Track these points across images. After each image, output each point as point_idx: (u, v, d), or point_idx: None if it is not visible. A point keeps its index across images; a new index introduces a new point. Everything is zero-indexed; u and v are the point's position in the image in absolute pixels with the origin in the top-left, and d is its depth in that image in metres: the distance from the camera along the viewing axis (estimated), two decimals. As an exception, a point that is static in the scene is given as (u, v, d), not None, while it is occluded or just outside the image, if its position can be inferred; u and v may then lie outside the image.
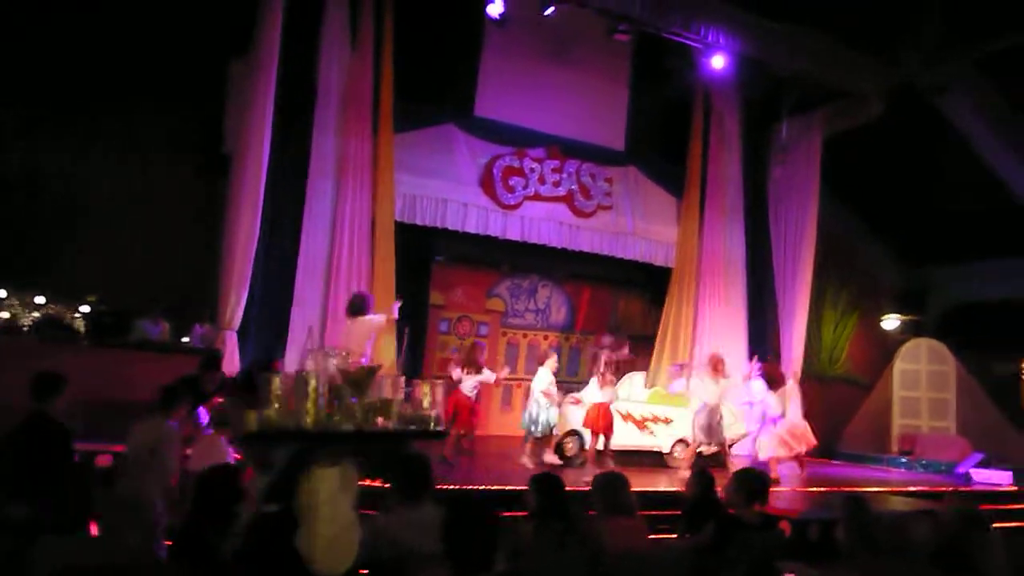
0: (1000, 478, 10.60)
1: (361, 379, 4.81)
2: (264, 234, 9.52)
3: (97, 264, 9.71)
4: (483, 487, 7.26)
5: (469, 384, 9.02)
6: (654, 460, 10.07)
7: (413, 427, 4.87)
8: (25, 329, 9.90)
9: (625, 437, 9.90)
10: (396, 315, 8.47)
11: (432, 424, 4.96)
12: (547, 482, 4.04)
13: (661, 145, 13.06)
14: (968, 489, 9.99)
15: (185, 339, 9.74)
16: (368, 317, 7.87)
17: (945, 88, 12.17)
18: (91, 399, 8.51)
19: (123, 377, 8.73)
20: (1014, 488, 10.21)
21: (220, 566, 3.27)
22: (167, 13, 9.70)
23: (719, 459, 9.58)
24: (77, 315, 10.11)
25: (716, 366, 9.62)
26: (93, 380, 8.63)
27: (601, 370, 9.40)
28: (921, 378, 13.79)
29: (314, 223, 10.16)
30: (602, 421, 9.26)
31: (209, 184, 9.90)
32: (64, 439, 4.91)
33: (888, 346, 14.85)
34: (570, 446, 9.68)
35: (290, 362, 8.96)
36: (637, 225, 12.68)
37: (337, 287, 10.17)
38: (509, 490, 6.97)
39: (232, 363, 9.22)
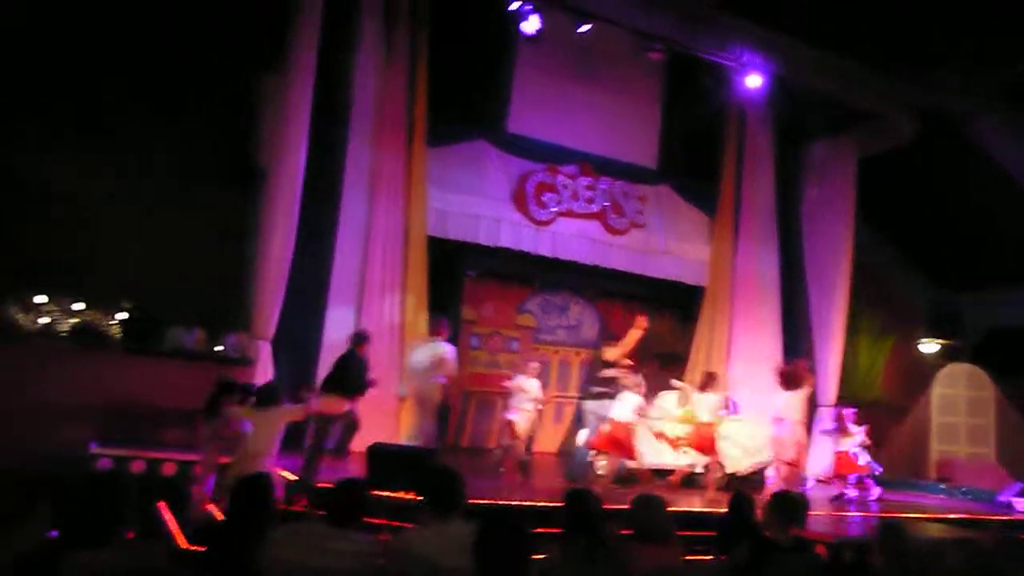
0: (1041, 507, 10.35)
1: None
2: (298, 245, 9.59)
3: (133, 272, 9.84)
4: (515, 502, 7.22)
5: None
6: (686, 480, 9.93)
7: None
8: (63, 335, 10.04)
9: (658, 456, 9.79)
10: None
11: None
12: (578, 497, 4.00)
13: (693, 164, 12.98)
14: (1011, 518, 9.76)
15: (218, 348, 9.82)
16: (283, 407, 6.88)
17: (973, 111, 12.01)
18: (125, 405, 8.65)
19: (156, 384, 8.86)
20: (1055, 518, 9.96)
21: (254, 573, 3.27)
22: (202, 25, 9.85)
23: (753, 481, 9.47)
24: (113, 322, 10.24)
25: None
26: (127, 387, 8.78)
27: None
28: (960, 403, 13.55)
29: (347, 236, 10.22)
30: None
31: (243, 196, 10.00)
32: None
33: (924, 371, 14.62)
34: (602, 463, 9.61)
35: (322, 373, 9.00)
36: (669, 243, 12.62)
37: (370, 299, 10.23)
38: (541, 506, 6.94)
39: (265, 373, 9.28)
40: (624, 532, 4.08)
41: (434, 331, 9.31)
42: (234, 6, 9.76)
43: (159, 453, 8.06)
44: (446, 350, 8.90)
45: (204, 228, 10.16)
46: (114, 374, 8.89)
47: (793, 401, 9.47)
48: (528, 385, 9.64)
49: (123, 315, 9.90)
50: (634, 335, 10.21)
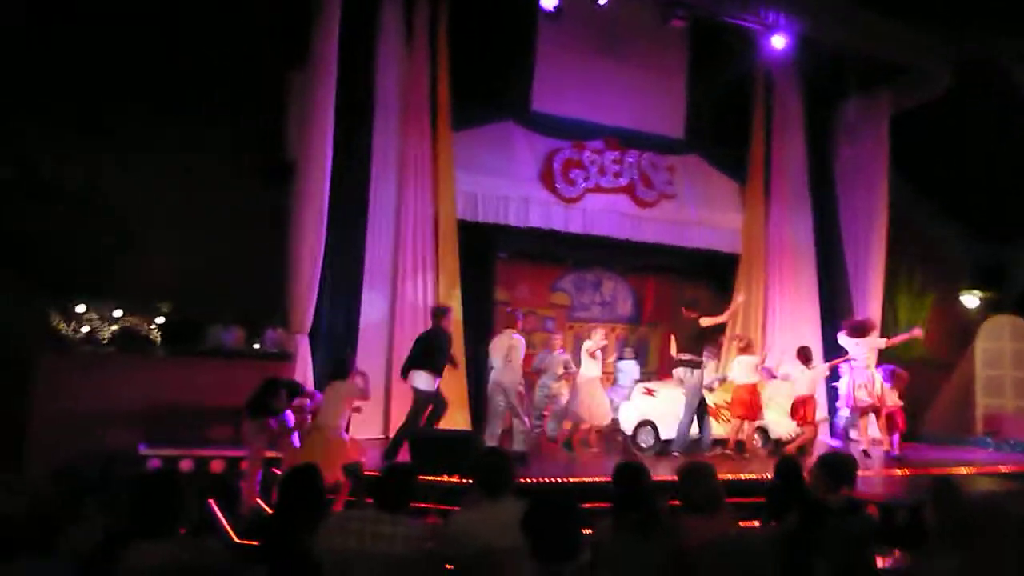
0: (1093, 457, 10.17)
1: None
2: (330, 238, 9.65)
3: (169, 274, 9.95)
4: (564, 479, 7.23)
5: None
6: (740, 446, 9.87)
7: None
8: (105, 342, 10.21)
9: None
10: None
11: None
12: (627, 472, 3.97)
13: (722, 131, 12.80)
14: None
15: (256, 345, 9.92)
16: (352, 384, 7.20)
17: (1012, 58, 11.68)
18: (170, 406, 8.79)
19: (199, 384, 8.99)
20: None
21: (310, 565, 3.31)
22: (227, 28, 9.89)
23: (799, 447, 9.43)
24: (153, 326, 10.37)
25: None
26: (171, 388, 8.93)
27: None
28: (1005, 356, 13.32)
29: (378, 225, 10.29)
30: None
31: (273, 191, 10.06)
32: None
33: (967, 325, 14.37)
34: (643, 437, 9.60)
35: (360, 360, 9.08)
36: (701, 213, 12.48)
37: (403, 287, 10.30)
38: (590, 482, 6.95)
39: (305, 366, 9.37)
40: (673, 503, 4.05)
41: (508, 323, 9.34)
42: (258, 6, 9.82)
43: (206, 451, 8.21)
44: (518, 342, 8.88)
45: (237, 226, 10.23)
46: (157, 376, 9.04)
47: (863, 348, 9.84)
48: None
49: (162, 318, 10.02)
50: (736, 304, 10.31)
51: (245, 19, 9.78)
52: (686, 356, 9.15)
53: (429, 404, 8.18)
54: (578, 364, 9.66)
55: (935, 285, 14.26)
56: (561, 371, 9.68)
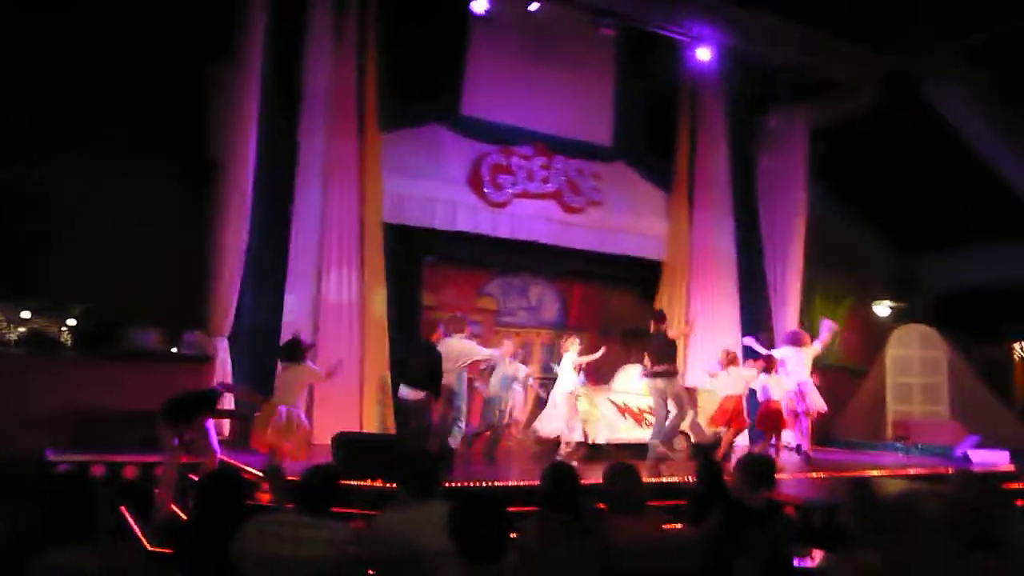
0: (997, 458, 10.65)
1: None
2: (252, 239, 9.45)
3: (83, 276, 9.58)
4: (492, 483, 7.21)
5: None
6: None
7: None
8: (12, 344, 9.79)
9: (623, 430, 9.85)
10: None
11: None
12: (555, 473, 3.97)
13: (648, 140, 12.97)
14: (969, 469, 10.02)
15: (174, 348, 9.64)
16: (307, 366, 7.29)
17: (933, 76, 12.18)
18: (82, 410, 8.46)
19: (113, 387, 8.68)
20: (1011, 467, 10.24)
21: (228, 570, 3.20)
22: (146, 20, 9.61)
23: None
24: (64, 328, 9.99)
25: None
26: (83, 392, 8.59)
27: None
28: (914, 364, 13.84)
29: (302, 226, 10.10)
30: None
31: (194, 190, 9.80)
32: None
33: (880, 333, 14.91)
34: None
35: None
36: (627, 220, 12.62)
37: (327, 289, 10.13)
38: (517, 486, 6.95)
39: (224, 368, 9.15)
40: (600, 505, 4.06)
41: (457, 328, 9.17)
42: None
43: (119, 456, 7.91)
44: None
45: (156, 225, 9.93)
46: (68, 379, 8.70)
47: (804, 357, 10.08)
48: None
49: (75, 320, 9.66)
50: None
51: (168, 9, 9.50)
52: (661, 367, 9.15)
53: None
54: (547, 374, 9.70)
55: (855, 293, 14.76)
56: (524, 380, 9.73)
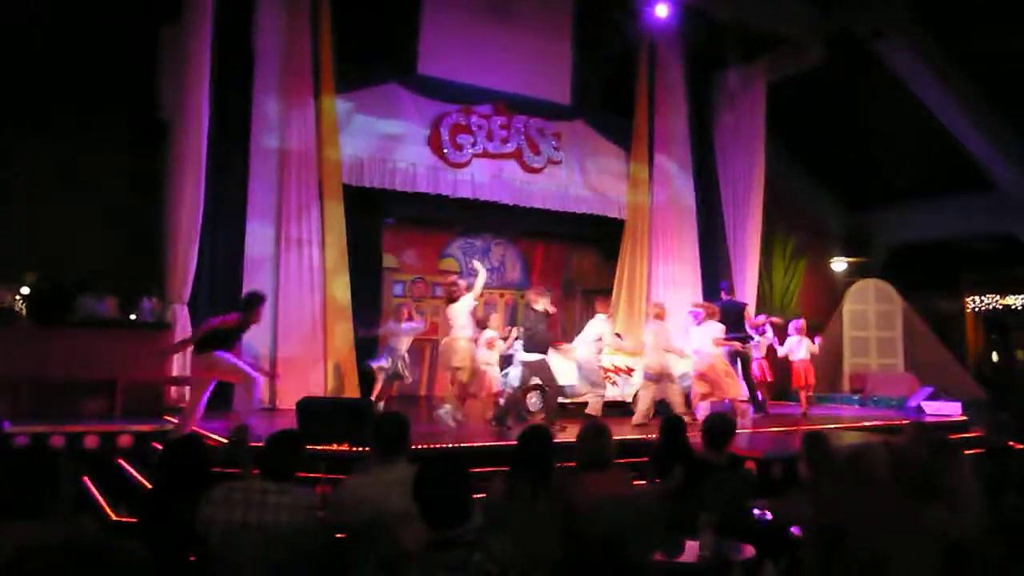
0: (950, 409, 10.94)
1: None
2: (209, 202, 9.29)
3: (35, 243, 9.38)
4: (455, 444, 7.24)
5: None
6: (619, 411, 10.07)
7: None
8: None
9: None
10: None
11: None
12: (528, 435, 4.01)
13: (608, 98, 12.94)
14: (923, 421, 10.29)
15: (132, 316, 9.48)
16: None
17: (881, 33, 12.25)
18: (39, 380, 8.30)
19: (70, 356, 8.52)
20: (963, 418, 10.55)
21: (193, 539, 3.20)
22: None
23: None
24: (18, 297, 9.76)
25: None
26: (39, 361, 8.41)
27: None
28: (869, 318, 14.12)
29: (260, 189, 9.93)
30: None
31: (147, 152, 9.60)
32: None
33: (837, 288, 15.22)
34: (533, 401, 9.68)
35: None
36: (587, 179, 12.62)
37: (287, 255, 10.02)
38: (481, 446, 6.99)
39: (185, 336, 9.04)
40: (570, 463, 4.11)
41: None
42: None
43: (79, 427, 7.78)
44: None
45: (110, 191, 9.74)
46: (24, 348, 8.51)
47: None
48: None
49: (28, 288, 9.43)
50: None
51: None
52: None
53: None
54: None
55: (810, 250, 14.97)
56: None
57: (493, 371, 9.06)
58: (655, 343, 9.50)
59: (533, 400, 9.59)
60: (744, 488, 4.60)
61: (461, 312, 8.50)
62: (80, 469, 7.11)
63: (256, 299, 7.35)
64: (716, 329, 9.78)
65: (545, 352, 8.79)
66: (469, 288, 8.67)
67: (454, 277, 9.42)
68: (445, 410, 8.32)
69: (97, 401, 8.31)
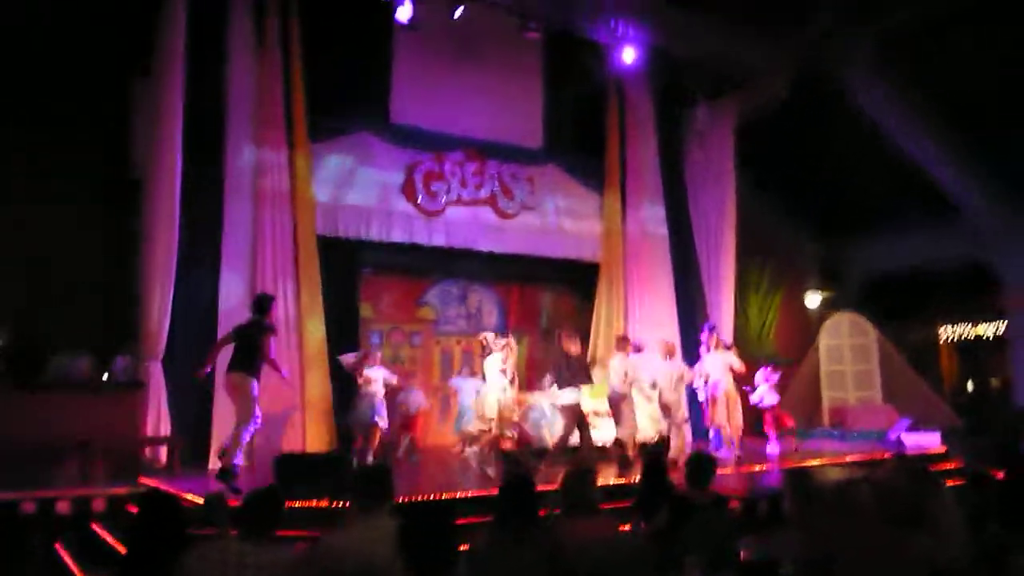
0: (929, 440, 10.97)
1: None
2: (183, 258, 9.23)
3: (7, 300, 9.24)
4: (439, 496, 7.12)
5: None
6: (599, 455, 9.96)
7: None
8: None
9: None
10: None
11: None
12: (512, 483, 3.97)
13: (580, 141, 13.06)
14: (904, 453, 10.31)
15: (106, 376, 9.30)
16: None
17: (843, 66, 12.52)
18: (9, 444, 8.07)
19: (42, 418, 8.32)
20: (943, 448, 10.57)
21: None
22: (62, 33, 9.33)
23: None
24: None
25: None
26: (10, 423, 8.19)
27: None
28: (845, 352, 14.18)
29: (234, 242, 9.86)
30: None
31: (120, 210, 9.54)
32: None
33: (812, 322, 15.29)
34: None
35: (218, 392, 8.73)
36: (561, 222, 12.72)
37: (263, 308, 9.92)
38: (463, 497, 6.89)
39: (159, 393, 8.93)
40: (555, 509, 4.07)
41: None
42: (96, 8, 9.25)
43: (51, 492, 7.58)
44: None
45: (83, 248, 9.64)
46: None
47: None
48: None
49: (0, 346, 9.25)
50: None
51: (83, 20, 9.21)
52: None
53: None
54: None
55: (784, 284, 15.09)
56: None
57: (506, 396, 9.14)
58: (613, 374, 9.47)
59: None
60: (729, 527, 4.57)
61: (490, 367, 9.04)
62: (52, 536, 6.94)
63: (266, 299, 7.40)
64: (729, 356, 10.15)
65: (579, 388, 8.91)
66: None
67: (484, 335, 9.79)
68: (473, 452, 8.72)
69: (70, 465, 8.10)
